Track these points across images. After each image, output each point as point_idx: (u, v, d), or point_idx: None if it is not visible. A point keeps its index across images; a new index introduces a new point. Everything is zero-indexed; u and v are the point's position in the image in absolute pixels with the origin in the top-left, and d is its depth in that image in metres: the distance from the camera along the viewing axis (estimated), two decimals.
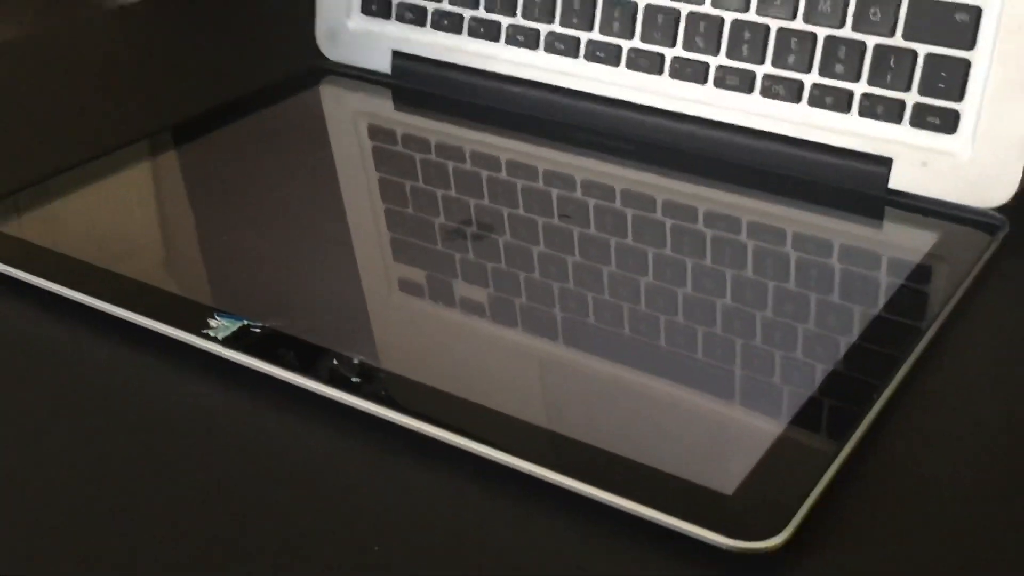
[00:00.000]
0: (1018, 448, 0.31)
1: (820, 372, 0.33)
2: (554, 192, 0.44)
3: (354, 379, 0.32)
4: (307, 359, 0.33)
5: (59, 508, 0.29)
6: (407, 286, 0.38)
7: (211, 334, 0.34)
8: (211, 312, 0.35)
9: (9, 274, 0.37)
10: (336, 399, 0.32)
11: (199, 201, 0.44)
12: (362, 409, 0.31)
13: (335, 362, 0.33)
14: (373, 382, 0.32)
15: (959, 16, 0.41)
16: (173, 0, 0.67)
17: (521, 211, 0.42)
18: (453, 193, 0.43)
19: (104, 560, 0.27)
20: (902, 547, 0.28)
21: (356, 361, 0.33)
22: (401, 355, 0.34)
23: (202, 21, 0.63)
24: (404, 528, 0.28)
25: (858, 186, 0.43)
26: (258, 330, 0.34)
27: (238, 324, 0.34)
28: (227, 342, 0.34)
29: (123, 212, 0.43)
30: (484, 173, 0.45)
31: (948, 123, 0.42)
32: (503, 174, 0.45)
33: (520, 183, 0.44)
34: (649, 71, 0.47)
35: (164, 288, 0.36)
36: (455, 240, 0.40)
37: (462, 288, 0.38)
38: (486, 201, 0.43)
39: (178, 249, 0.41)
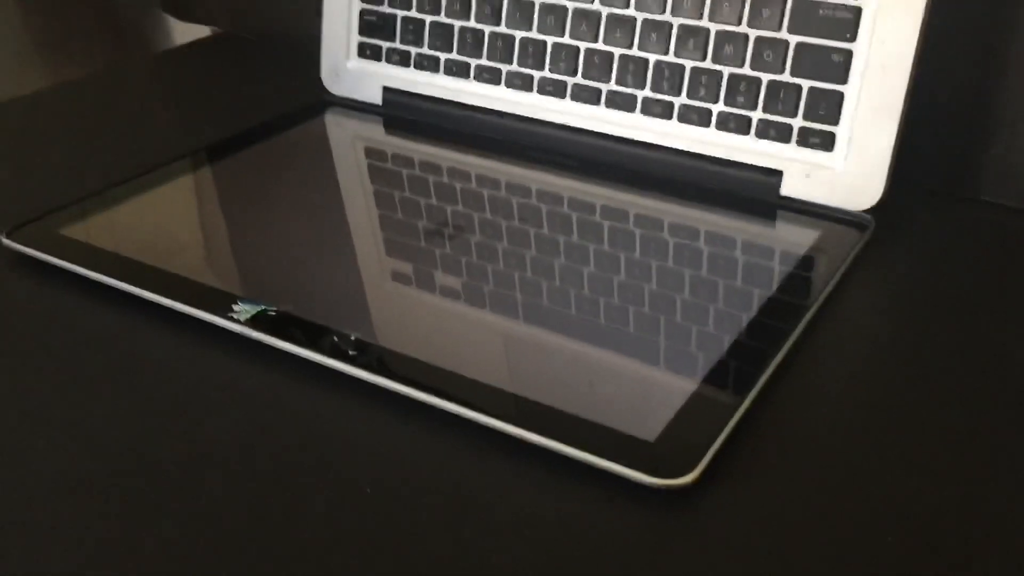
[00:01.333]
0: (884, 400, 0.31)
1: (726, 341, 0.33)
2: (514, 200, 0.43)
3: (351, 352, 0.31)
4: (313, 336, 0.32)
5: (111, 442, 0.28)
6: (398, 276, 0.37)
7: (235, 317, 0.33)
8: (235, 299, 0.34)
9: (71, 270, 0.36)
10: (336, 369, 0.31)
11: (227, 208, 0.43)
12: (357, 376, 0.31)
13: (336, 339, 0.32)
14: (366, 355, 0.31)
15: (835, 57, 0.40)
16: (206, 46, 0.65)
17: (488, 215, 0.41)
18: (433, 201, 0.43)
19: (143, 499, 0.27)
20: (789, 481, 0.28)
21: (353, 338, 0.32)
22: (392, 332, 0.33)
23: (230, 62, 0.62)
24: (390, 473, 0.28)
25: (755, 194, 0.43)
26: (273, 313, 0.33)
27: (257, 308, 0.33)
28: (248, 323, 0.33)
29: (163, 218, 0.42)
30: (458, 185, 0.44)
31: (827, 142, 0.41)
32: (473, 185, 0.44)
33: (487, 192, 0.44)
34: (589, 102, 0.46)
35: (196, 280, 0.35)
36: (435, 239, 0.39)
37: (442, 277, 0.37)
38: (460, 207, 0.42)
39: (208, 247, 0.40)
